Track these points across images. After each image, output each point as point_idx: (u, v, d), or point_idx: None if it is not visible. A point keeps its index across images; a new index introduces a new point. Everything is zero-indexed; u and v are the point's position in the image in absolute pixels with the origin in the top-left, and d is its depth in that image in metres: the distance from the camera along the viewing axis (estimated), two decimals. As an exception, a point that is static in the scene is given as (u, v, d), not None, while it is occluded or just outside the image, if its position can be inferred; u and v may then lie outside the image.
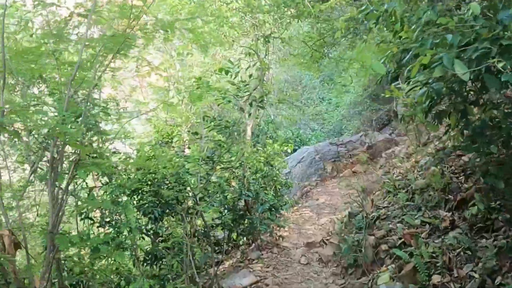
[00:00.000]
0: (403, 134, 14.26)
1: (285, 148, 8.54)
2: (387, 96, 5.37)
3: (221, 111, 18.00)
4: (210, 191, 5.35)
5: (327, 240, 5.89)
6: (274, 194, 7.76)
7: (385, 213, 5.02)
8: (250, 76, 6.23)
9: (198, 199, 4.78)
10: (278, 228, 6.51)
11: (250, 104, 5.87)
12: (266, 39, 12.71)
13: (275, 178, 8.25)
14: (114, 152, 5.80)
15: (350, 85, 20.28)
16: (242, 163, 5.82)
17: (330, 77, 25.38)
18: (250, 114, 12.98)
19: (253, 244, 6.05)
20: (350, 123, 19.43)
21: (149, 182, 4.74)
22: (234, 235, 6.68)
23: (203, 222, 6.34)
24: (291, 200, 10.02)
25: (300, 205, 9.18)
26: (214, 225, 5.72)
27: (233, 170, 5.78)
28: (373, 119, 18.03)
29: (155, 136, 6.53)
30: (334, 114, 23.45)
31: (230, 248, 7.31)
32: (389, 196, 5.43)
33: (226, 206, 5.81)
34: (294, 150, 15.70)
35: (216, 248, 6.78)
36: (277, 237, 6.35)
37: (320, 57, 17.14)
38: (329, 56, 17.38)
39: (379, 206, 5.34)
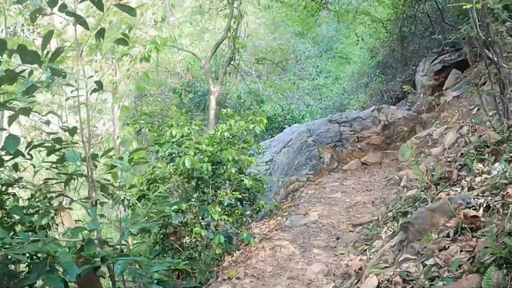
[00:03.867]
0: (423, 110, 10.44)
1: (252, 126, 4.75)
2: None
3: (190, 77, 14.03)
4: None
5: None
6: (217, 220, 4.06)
7: None
8: None
9: None
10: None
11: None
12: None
13: (232, 182, 4.54)
14: None
15: (355, 49, 16.47)
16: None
17: (328, 48, 21.56)
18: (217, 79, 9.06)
19: None
20: (354, 97, 15.63)
21: None
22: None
23: None
24: (269, 205, 6.22)
25: (276, 221, 5.47)
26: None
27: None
28: (384, 92, 14.30)
29: None
30: (334, 87, 19.71)
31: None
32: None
33: None
34: (281, 129, 11.95)
35: None
36: None
37: (317, 8, 13.21)
38: (328, 8, 13.51)
39: None
